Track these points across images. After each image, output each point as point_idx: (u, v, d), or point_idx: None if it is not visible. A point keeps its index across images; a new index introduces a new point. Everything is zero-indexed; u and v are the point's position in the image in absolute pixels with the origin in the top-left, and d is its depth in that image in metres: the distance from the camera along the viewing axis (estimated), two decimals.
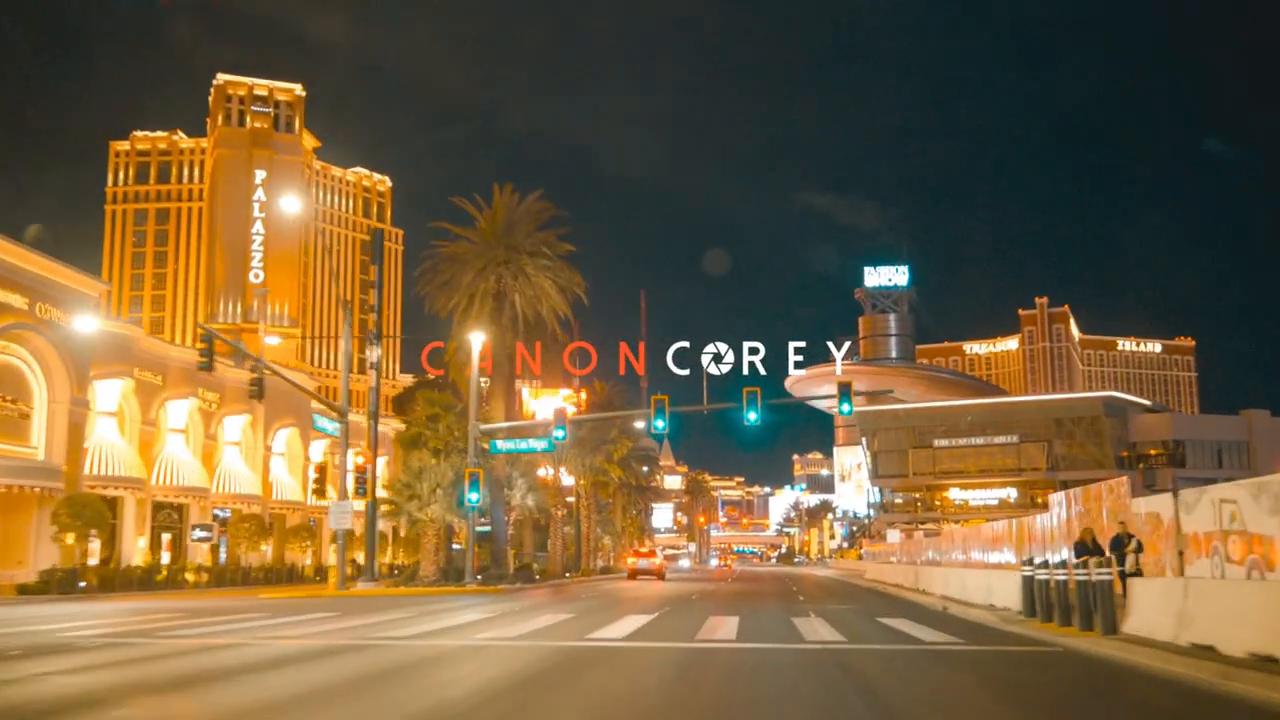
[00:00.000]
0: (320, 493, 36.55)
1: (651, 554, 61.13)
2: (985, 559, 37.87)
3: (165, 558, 54.93)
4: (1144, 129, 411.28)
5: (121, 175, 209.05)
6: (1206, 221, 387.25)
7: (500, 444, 39.98)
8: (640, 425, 63.79)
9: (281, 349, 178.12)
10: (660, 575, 57.06)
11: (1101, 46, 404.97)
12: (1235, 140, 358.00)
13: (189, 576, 52.92)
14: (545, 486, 55.02)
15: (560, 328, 47.28)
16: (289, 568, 58.68)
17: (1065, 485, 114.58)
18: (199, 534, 55.79)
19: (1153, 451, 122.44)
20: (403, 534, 60.15)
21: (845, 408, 38.82)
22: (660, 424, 38.49)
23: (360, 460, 36.96)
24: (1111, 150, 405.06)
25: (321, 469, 36.12)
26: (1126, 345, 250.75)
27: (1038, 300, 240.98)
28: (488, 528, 44.02)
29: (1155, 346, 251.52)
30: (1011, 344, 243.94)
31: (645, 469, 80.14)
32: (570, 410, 56.21)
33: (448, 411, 42.14)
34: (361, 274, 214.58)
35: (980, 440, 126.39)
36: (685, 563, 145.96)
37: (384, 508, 40.42)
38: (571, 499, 62.47)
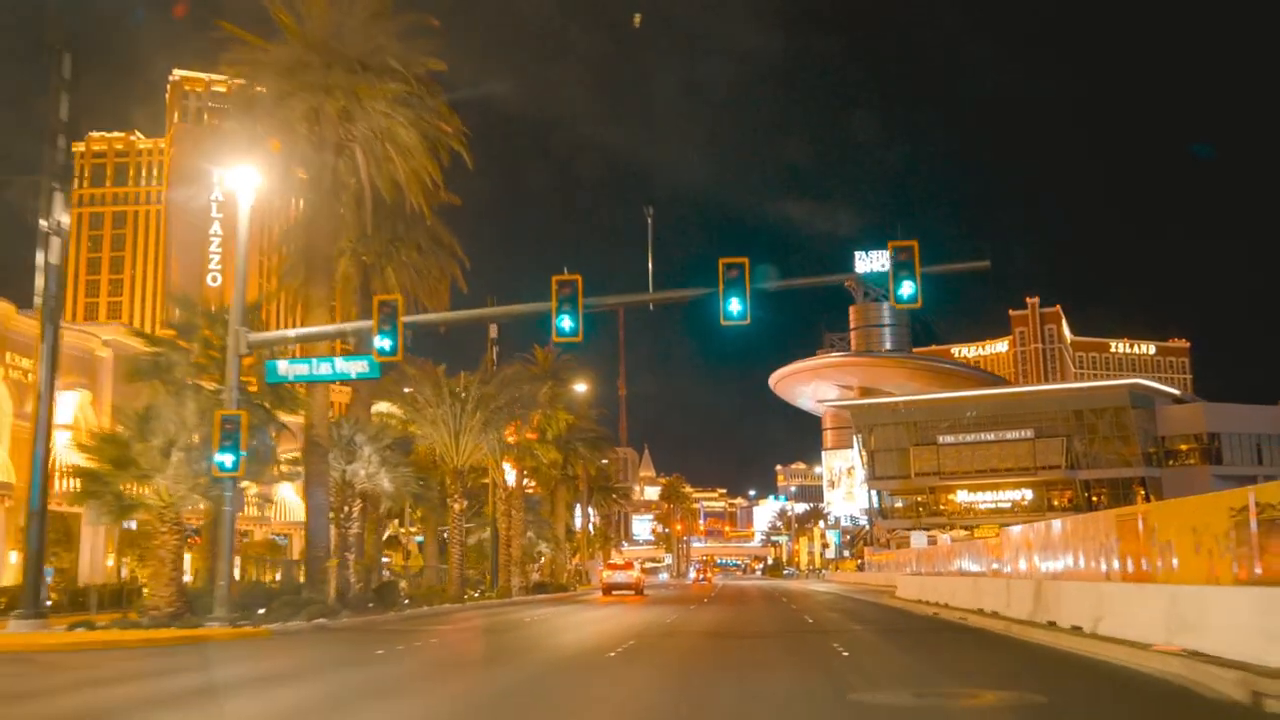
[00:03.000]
0: None
1: (629, 566, 52.78)
2: (1098, 567, 19.99)
3: None
4: (1134, 127, 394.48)
5: (77, 178, 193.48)
6: (1200, 221, 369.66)
7: (283, 367, 21.41)
8: (579, 385, 45.13)
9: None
10: (639, 590, 47.94)
11: (1089, 46, 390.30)
12: (1228, 139, 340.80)
13: None
14: (433, 465, 36.67)
15: (430, 210, 29.04)
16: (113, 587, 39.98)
17: (1087, 486, 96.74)
18: None
19: (1184, 446, 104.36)
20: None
21: (907, 288, 20.61)
22: (568, 323, 20.22)
23: None
24: (1101, 150, 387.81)
25: None
26: (1120, 347, 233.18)
27: (1029, 300, 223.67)
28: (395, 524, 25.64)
29: (1149, 348, 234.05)
30: (1001, 346, 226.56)
31: (605, 461, 61.26)
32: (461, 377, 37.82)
33: (214, 321, 23.56)
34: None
35: (990, 436, 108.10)
36: (664, 576, 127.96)
37: (83, 483, 21.73)
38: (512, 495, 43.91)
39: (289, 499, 60.52)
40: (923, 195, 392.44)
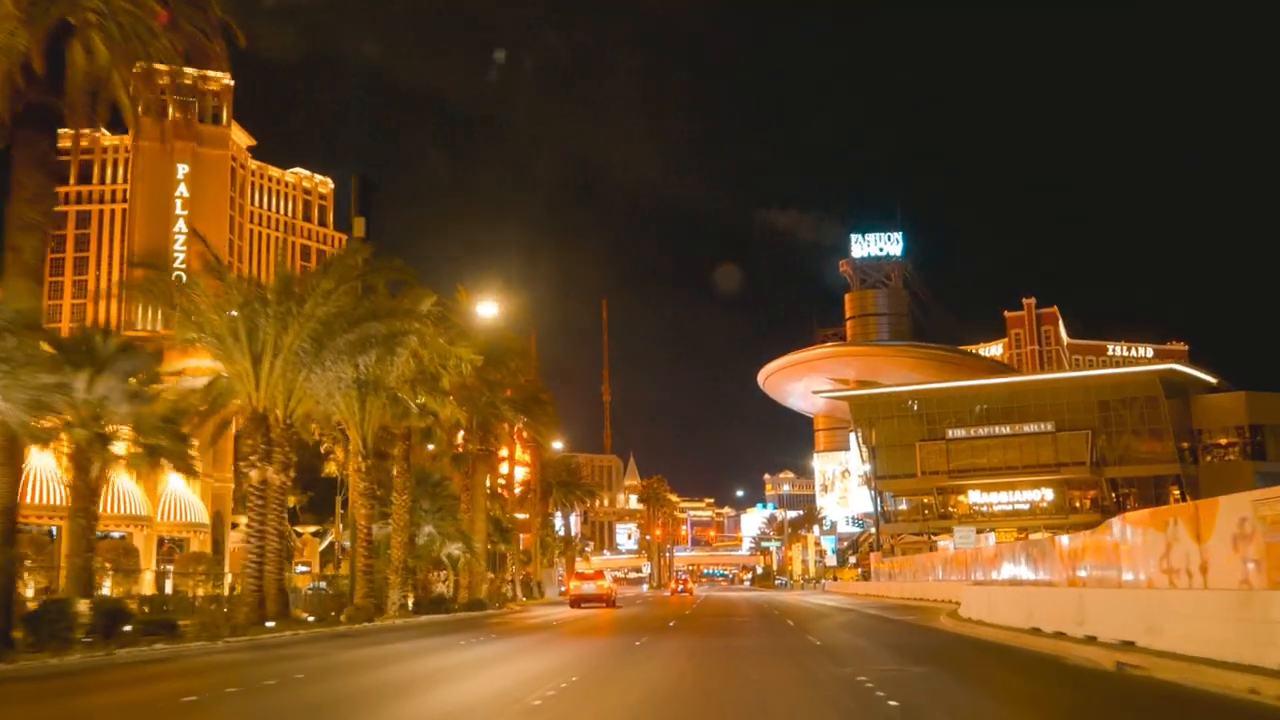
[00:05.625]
0: None
1: (598, 576, 50.20)
2: None
3: None
4: (1132, 126, 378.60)
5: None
6: (1195, 223, 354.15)
7: None
8: (485, 305, 29.74)
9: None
10: (610, 602, 44.08)
11: (1087, 54, 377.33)
12: (1226, 139, 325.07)
13: None
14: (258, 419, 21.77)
15: None
16: None
17: (1115, 485, 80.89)
18: None
19: (1223, 440, 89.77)
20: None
21: None
22: None
23: None
24: (1099, 149, 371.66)
25: None
26: (1117, 349, 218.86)
27: (1025, 301, 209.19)
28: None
29: (1147, 351, 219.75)
30: (996, 349, 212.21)
31: (560, 445, 45.95)
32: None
33: None
34: None
35: (1006, 429, 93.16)
36: (645, 587, 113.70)
37: None
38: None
39: (178, 491, 45.67)
40: (914, 195, 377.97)
